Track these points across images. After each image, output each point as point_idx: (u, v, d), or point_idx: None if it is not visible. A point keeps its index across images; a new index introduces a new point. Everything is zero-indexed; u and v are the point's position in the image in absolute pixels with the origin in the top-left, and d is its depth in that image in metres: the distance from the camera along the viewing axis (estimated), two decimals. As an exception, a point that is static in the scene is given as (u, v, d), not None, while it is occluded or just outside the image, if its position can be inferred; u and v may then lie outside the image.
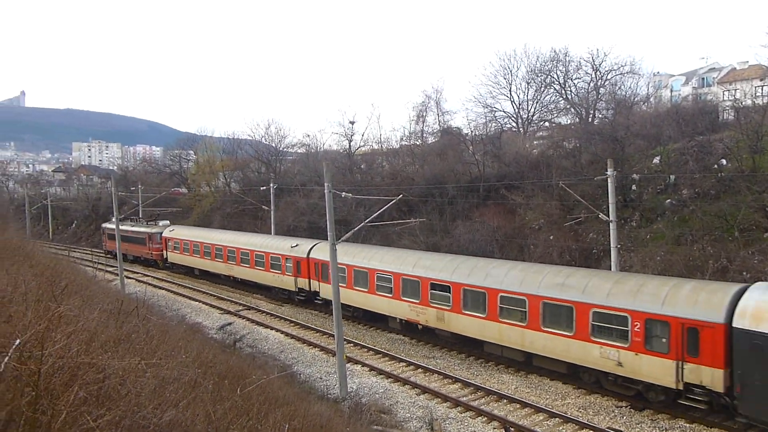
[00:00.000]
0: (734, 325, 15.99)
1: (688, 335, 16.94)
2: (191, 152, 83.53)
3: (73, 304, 9.15)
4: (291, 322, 31.76)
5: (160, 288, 42.68)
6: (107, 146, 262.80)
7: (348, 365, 22.61)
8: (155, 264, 52.31)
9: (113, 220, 44.34)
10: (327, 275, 30.10)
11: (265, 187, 46.01)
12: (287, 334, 29.40)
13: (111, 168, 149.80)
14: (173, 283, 44.64)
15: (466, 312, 23.93)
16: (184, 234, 49.20)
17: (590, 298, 19.62)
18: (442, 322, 25.18)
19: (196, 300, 38.40)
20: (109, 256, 54.17)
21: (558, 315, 20.50)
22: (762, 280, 20.06)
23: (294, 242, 36.34)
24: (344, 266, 29.07)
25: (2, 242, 16.78)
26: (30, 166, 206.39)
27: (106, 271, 43.14)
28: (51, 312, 6.44)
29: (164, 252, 50.82)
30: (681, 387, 17.26)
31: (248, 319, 32.72)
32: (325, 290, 31.82)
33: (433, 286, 25.42)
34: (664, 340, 17.49)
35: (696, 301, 17.23)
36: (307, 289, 34.24)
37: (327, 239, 21.87)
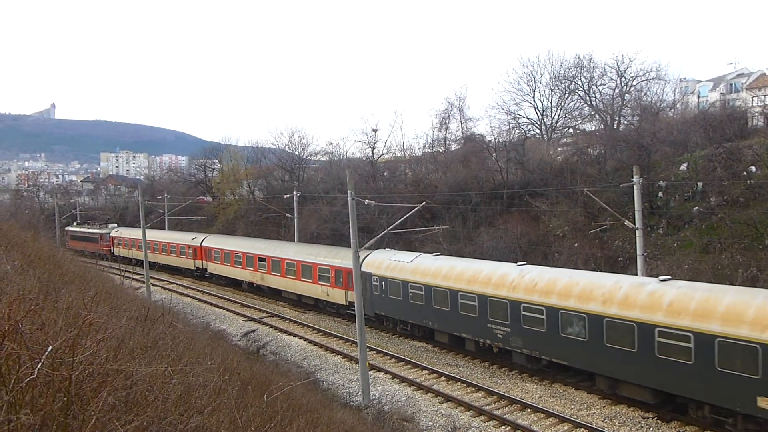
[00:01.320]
0: (363, 269, 28.50)
1: (338, 277, 32.83)
2: (216, 161, 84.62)
3: (102, 311, 9.34)
4: (314, 329, 31.89)
5: (185, 295, 43.20)
6: (134, 156, 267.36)
7: (371, 373, 22.64)
8: (105, 257, 56.61)
9: (73, 224, 76.04)
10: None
11: (288, 195, 46.37)
12: (310, 341, 29.52)
13: (138, 177, 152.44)
14: (198, 290, 45.18)
15: (273, 273, 38.78)
16: (133, 234, 60.37)
17: (312, 259, 35.40)
18: (263, 280, 40.23)
19: (221, 307, 38.78)
20: (76, 253, 57.03)
21: (308, 270, 35.61)
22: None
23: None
24: (219, 250, 46.16)
25: (34, 251, 17.18)
26: (60, 176, 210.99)
27: (133, 279, 43.80)
28: (81, 319, 6.59)
29: (111, 248, 63.48)
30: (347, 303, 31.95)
31: (272, 326, 32.93)
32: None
33: (260, 258, 40.43)
34: (341, 279, 32.65)
35: (343, 257, 32.33)
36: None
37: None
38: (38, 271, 12.40)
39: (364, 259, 29.87)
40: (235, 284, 45.11)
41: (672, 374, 17.25)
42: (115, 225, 72.14)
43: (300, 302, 37.35)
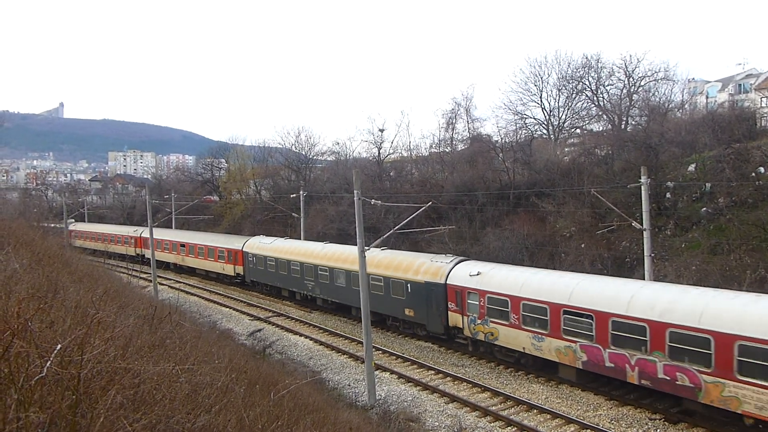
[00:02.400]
0: (243, 249, 43.01)
1: (229, 256, 42.93)
2: (223, 161, 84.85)
3: (110, 310, 9.39)
4: (320, 328, 31.92)
5: (192, 294, 43.34)
6: (142, 155, 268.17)
7: (376, 372, 22.64)
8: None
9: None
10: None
11: (295, 195, 46.47)
12: (316, 341, 29.56)
13: (145, 177, 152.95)
14: (204, 289, 45.32)
15: (190, 256, 51.20)
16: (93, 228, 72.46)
17: (214, 244, 47.86)
18: (183, 261, 52.34)
19: (227, 306, 38.89)
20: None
21: (201, 252, 49.17)
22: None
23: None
24: (168, 241, 55.08)
25: (43, 249, 17.27)
26: (68, 175, 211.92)
27: (140, 277, 43.98)
28: (90, 318, 6.63)
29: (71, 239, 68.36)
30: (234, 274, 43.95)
31: (278, 326, 33.00)
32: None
33: (182, 245, 52.38)
34: (231, 258, 44.39)
35: (233, 242, 45.24)
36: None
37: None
38: (47, 269, 12.47)
39: (246, 242, 43.91)
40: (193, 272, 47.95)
41: (376, 300, 28.77)
42: (73, 220, 75.05)
43: (214, 278, 48.28)
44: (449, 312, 26.13)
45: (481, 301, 24.31)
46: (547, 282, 22.30)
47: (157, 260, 48.43)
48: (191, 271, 52.19)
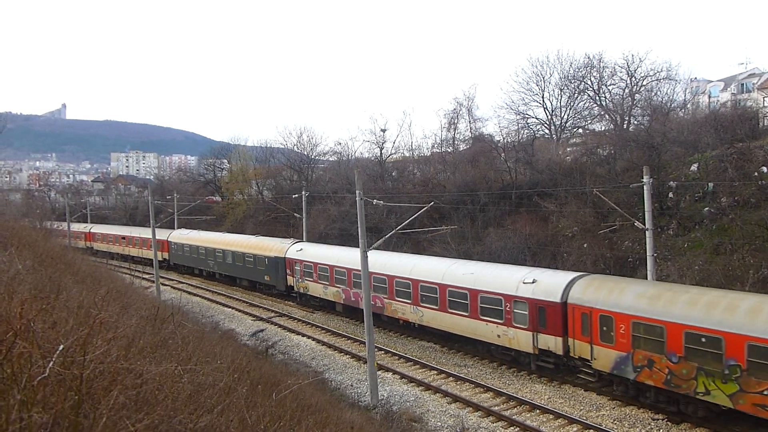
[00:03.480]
0: (168, 240, 55.95)
1: (158, 245, 44.68)
2: (225, 161, 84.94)
3: (113, 310, 9.40)
4: (322, 329, 31.92)
5: (195, 295, 43.38)
6: (144, 156, 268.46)
7: (379, 373, 22.63)
8: None
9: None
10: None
11: (297, 195, 46.49)
12: (319, 341, 29.56)
13: (148, 177, 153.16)
14: (207, 290, 45.37)
15: (129, 246, 61.83)
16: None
17: (141, 235, 60.61)
18: (124, 251, 60.28)
19: (230, 307, 38.91)
20: None
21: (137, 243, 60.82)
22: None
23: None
24: (100, 234, 68.86)
25: (45, 251, 17.30)
26: (70, 176, 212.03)
27: (142, 278, 44.03)
28: (92, 318, 6.63)
29: None
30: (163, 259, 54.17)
31: (280, 326, 33.01)
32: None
33: (122, 237, 63.81)
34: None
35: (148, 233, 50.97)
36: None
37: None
38: (49, 270, 12.49)
39: (170, 234, 55.41)
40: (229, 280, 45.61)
41: (249, 271, 42.87)
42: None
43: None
44: (287, 276, 38.44)
45: (300, 267, 36.93)
46: (334, 253, 35.33)
47: (102, 250, 61.73)
48: (132, 259, 54.70)
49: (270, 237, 45.98)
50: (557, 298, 21.57)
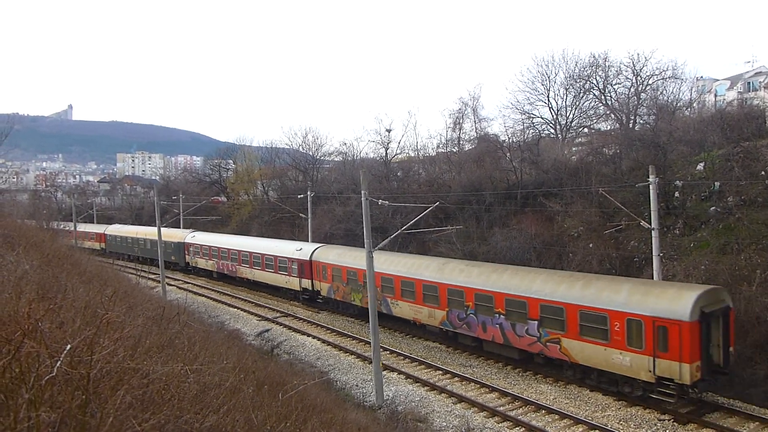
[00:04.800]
0: (105, 232, 72.41)
1: (97, 237, 71.91)
2: (230, 161, 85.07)
3: (120, 310, 9.44)
4: (328, 329, 31.96)
5: (200, 295, 43.52)
6: (150, 157, 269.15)
7: (384, 373, 22.65)
8: None
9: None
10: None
11: (302, 195, 46.51)
12: (324, 341, 29.60)
13: (154, 178, 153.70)
14: (213, 290, 45.49)
15: (79, 239, 65.93)
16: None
17: (98, 231, 73.89)
18: (102, 246, 68.92)
19: (235, 307, 39.01)
20: None
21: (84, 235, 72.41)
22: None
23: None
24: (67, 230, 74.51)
25: (52, 251, 17.40)
26: (77, 176, 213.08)
27: (148, 278, 44.26)
28: (99, 318, 6.67)
29: None
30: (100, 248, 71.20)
31: (285, 326, 33.07)
32: None
33: (97, 234, 72.94)
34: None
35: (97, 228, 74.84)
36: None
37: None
38: (56, 270, 12.55)
39: (106, 228, 70.24)
40: (248, 283, 45.69)
41: (155, 252, 53.57)
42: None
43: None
44: (186, 255, 53.81)
45: (193, 249, 52.71)
46: (216, 239, 51.68)
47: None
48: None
49: (180, 228, 60.18)
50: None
